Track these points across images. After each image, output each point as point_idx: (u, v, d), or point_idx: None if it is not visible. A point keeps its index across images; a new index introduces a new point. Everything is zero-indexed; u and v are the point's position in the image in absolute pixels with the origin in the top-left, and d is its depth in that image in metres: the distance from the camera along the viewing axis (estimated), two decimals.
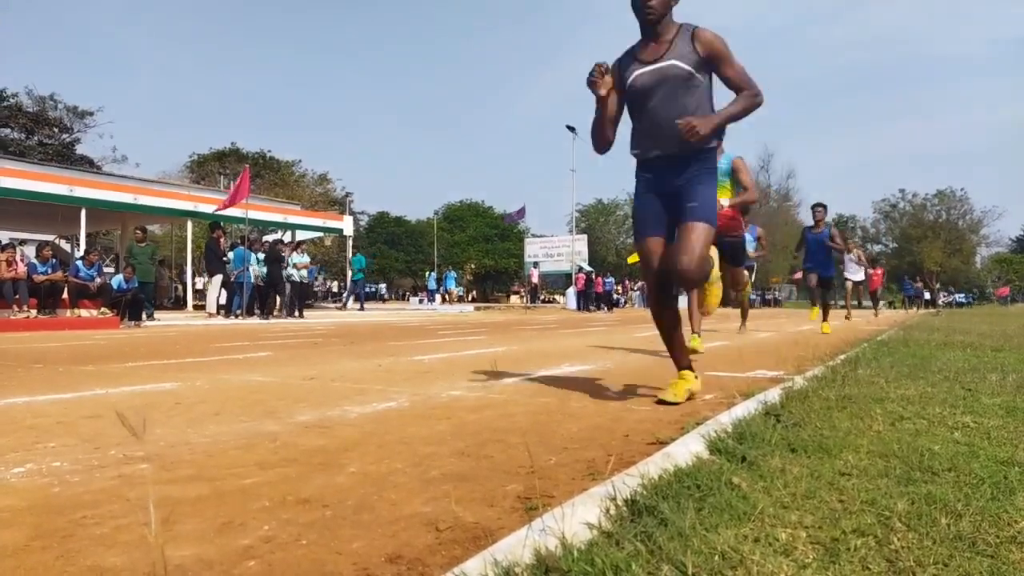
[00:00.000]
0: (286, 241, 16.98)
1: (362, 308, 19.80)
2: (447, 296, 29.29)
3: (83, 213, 16.16)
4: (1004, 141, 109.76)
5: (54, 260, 11.88)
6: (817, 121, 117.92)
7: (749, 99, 2.80)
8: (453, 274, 31.17)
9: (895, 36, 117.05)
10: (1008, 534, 1.20)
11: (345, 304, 19.94)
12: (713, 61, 2.81)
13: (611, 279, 29.82)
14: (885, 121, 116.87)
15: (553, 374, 4.18)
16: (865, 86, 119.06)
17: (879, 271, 19.42)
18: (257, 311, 14.47)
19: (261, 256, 14.56)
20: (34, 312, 10.88)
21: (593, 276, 29.04)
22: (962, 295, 56.58)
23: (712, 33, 2.80)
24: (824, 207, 9.73)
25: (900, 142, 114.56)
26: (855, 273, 14.77)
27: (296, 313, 14.99)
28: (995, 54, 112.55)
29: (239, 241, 14.99)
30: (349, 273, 21.92)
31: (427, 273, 30.32)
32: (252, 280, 14.22)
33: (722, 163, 5.24)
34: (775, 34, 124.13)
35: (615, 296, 32.68)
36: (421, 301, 29.54)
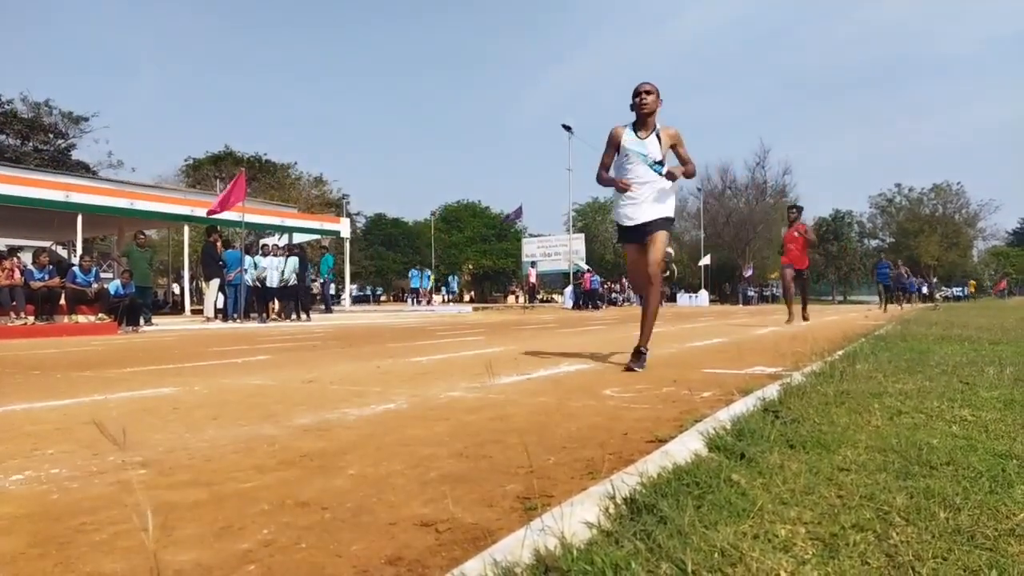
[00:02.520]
0: (281, 244, 16.97)
1: (328, 310, 19.38)
2: (420, 295, 29.17)
3: (79, 219, 16.13)
4: (1000, 136, 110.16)
5: (51, 266, 11.86)
6: (813, 117, 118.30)
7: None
8: (428, 272, 31.29)
9: (891, 33, 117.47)
10: (1006, 527, 1.21)
11: (329, 308, 19.72)
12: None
13: (596, 277, 29.81)
14: (881, 116, 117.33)
15: (551, 374, 4.18)
16: (861, 82, 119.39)
17: (800, 228, 10.68)
18: (254, 315, 14.46)
19: (280, 261, 14.59)
20: (31, 319, 10.85)
21: (582, 274, 29.10)
22: (958, 288, 56.56)
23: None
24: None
25: (896, 137, 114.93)
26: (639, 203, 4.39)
27: (295, 316, 15.01)
28: (991, 50, 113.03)
29: (234, 244, 14.95)
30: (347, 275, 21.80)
31: (426, 275, 30.25)
32: (249, 283, 14.21)
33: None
34: (772, 32, 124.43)
35: (613, 295, 32.67)
36: (418, 302, 29.51)
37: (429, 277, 30.85)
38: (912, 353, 4.41)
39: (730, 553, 1.07)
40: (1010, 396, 2.58)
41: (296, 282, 15.01)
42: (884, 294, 20.88)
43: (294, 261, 14.97)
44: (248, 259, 14.28)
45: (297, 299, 15.33)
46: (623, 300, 33.91)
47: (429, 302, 29.19)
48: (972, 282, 42.14)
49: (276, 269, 14.59)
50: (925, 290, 37.04)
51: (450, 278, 36.67)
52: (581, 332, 9.61)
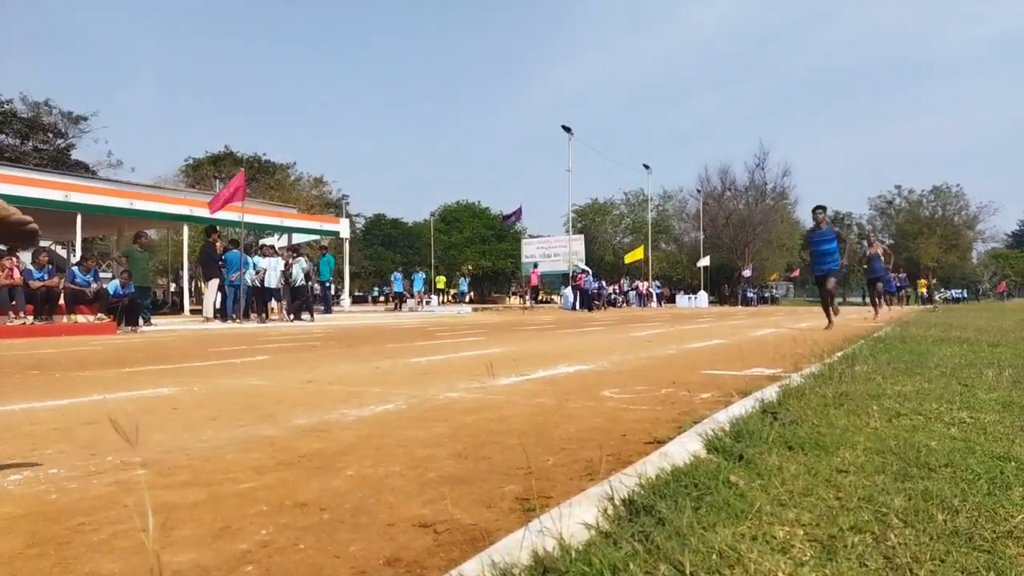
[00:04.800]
0: (279, 245, 17.00)
1: (328, 310, 19.24)
2: (414, 296, 28.52)
3: (79, 219, 16.14)
4: (1000, 138, 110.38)
5: (50, 266, 11.84)
6: (813, 119, 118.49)
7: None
8: (422, 275, 30.49)
9: (891, 34, 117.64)
10: (1004, 529, 1.21)
11: (329, 308, 19.65)
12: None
13: (591, 277, 29.73)
14: (881, 119, 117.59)
15: (550, 374, 4.18)
16: (861, 85, 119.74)
17: None
18: (253, 314, 14.45)
19: (278, 261, 14.63)
20: (31, 319, 10.84)
21: (577, 275, 29.06)
22: (956, 291, 56.52)
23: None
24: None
25: (896, 139, 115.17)
26: None
27: (294, 316, 15.02)
28: (991, 53, 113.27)
29: (230, 245, 14.93)
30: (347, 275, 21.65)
31: (419, 277, 29.47)
32: (249, 283, 14.21)
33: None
34: (772, 33, 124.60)
35: (612, 296, 32.64)
36: (419, 302, 29.33)
37: (423, 279, 30.19)
38: (911, 355, 4.41)
39: (728, 554, 1.07)
40: (1008, 398, 2.58)
41: (304, 282, 15.12)
42: (828, 301, 9.54)
43: (302, 262, 15.06)
44: (248, 260, 14.28)
45: (307, 299, 15.42)
46: (622, 302, 33.89)
47: (420, 303, 28.59)
48: (922, 281, 39.30)
49: (275, 270, 14.60)
50: (924, 291, 35.98)
51: (461, 280, 36.42)
52: (580, 333, 9.61)
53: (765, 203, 55.07)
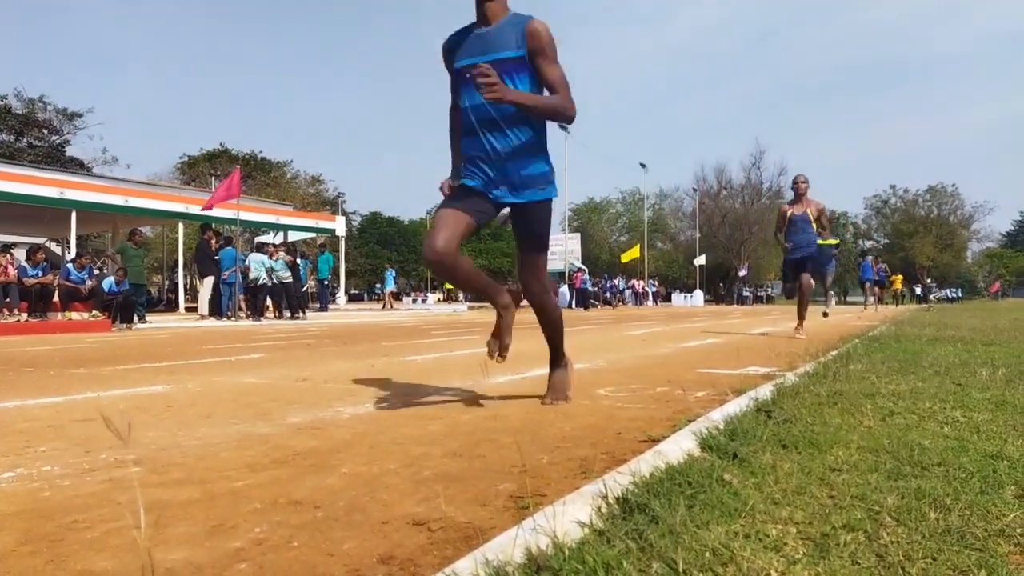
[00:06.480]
0: (277, 243, 16.96)
1: (324, 308, 19.19)
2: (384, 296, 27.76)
3: (73, 215, 16.08)
4: (995, 137, 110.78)
5: (45, 263, 11.80)
6: (809, 118, 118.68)
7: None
8: (392, 272, 29.65)
9: (886, 33, 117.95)
10: (996, 527, 1.21)
11: (325, 306, 19.58)
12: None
13: (587, 276, 29.70)
14: (876, 118, 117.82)
15: (546, 373, 4.17)
16: (857, 84, 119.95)
17: None
18: (242, 311, 14.43)
19: (276, 261, 14.56)
20: (25, 315, 10.80)
21: (573, 273, 29.06)
22: (948, 290, 56.69)
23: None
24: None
25: (891, 138, 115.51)
26: None
27: (288, 314, 14.99)
28: (986, 51, 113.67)
29: (224, 242, 14.88)
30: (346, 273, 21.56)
31: (386, 275, 28.61)
32: (270, 282, 14.18)
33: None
34: (767, 31, 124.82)
35: (607, 295, 32.67)
36: (414, 301, 29.17)
37: (393, 277, 29.40)
38: (905, 354, 4.42)
39: (721, 552, 1.08)
40: (1002, 397, 2.59)
41: (288, 280, 15.04)
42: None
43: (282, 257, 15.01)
44: (261, 257, 14.23)
45: (290, 297, 15.34)
46: (617, 301, 33.91)
47: (389, 303, 27.81)
48: (899, 276, 37.41)
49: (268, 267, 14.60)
50: (899, 287, 35.08)
51: None
52: (575, 332, 9.62)
53: (761, 202, 55.16)
